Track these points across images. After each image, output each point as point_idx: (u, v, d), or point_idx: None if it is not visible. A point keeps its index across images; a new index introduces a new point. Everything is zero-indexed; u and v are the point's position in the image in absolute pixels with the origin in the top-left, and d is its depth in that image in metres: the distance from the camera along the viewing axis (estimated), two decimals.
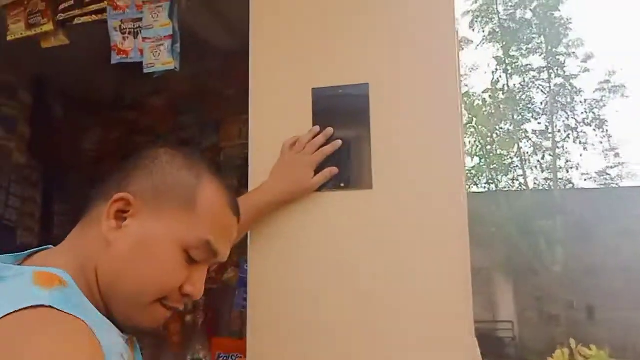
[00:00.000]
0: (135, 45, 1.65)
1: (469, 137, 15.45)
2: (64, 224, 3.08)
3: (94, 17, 1.72)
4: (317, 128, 1.26)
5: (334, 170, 1.24)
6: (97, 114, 3.22)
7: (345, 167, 1.25)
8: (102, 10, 1.70)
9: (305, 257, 1.24)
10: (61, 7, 1.72)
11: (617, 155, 15.52)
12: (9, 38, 1.76)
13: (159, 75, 1.66)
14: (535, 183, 15.54)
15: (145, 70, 1.63)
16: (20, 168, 2.88)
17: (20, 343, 0.59)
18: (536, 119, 15.66)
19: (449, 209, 1.19)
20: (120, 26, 1.67)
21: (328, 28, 1.32)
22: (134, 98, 3.18)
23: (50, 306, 0.63)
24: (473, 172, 15.39)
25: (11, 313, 0.61)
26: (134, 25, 1.66)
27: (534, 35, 15.45)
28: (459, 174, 1.21)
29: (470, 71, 16.50)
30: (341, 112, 1.28)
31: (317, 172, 1.24)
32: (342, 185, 1.24)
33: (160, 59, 1.61)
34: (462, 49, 15.94)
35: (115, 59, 1.67)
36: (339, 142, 1.25)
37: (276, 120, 1.31)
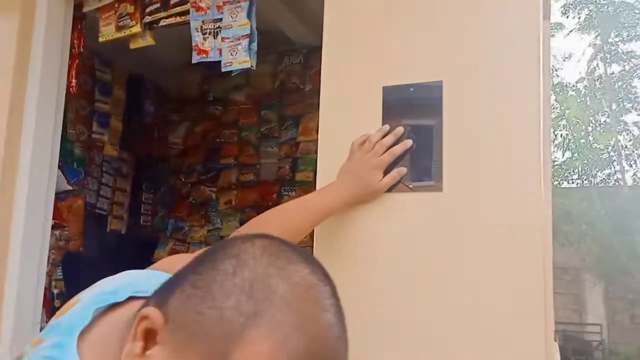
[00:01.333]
0: (215, 45, 1.71)
1: (560, 130, 14.66)
2: (149, 212, 3.32)
3: (178, 19, 1.80)
4: (387, 127, 1.24)
5: (402, 170, 1.22)
6: (184, 109, 3.38)
7: (415, 168, 1.23)
8: (186, 12, 1.78)
9: (371, 260, 1.22)
10: (148, 9, 1.81)
11: None
12: (100, 39, 1.87)
13: (237, 72, 1.71)
14: (634, 179, 14.52)
15: (223, 69, 1.68)
16: (112, 160, 3.07)
17: None
18: (637, 110, 14.60)
19: (525, 213, 1.14)
20: (201, 27, 1.74)
21: (400, 25, 1.30)
22: (219, 93, 3.30)
23: None
24: (564, 167, 14.59)
25: None
26: (214, 26, 1.72)
27: (637, 20, 14.36)
28: (536, 175, 1.16)
29: (564, 60, 15.62)
30: (412, 111, 1.25)
31: (386, 172, 1.22)
32: (411, 186, 1.22)
33: (238, 57, 1.66)
34: (553, 35, 15.12)
35: (195, 58, 1.74)
36: (410, 142, 1.23)
37: (346, 117, 1.31)
